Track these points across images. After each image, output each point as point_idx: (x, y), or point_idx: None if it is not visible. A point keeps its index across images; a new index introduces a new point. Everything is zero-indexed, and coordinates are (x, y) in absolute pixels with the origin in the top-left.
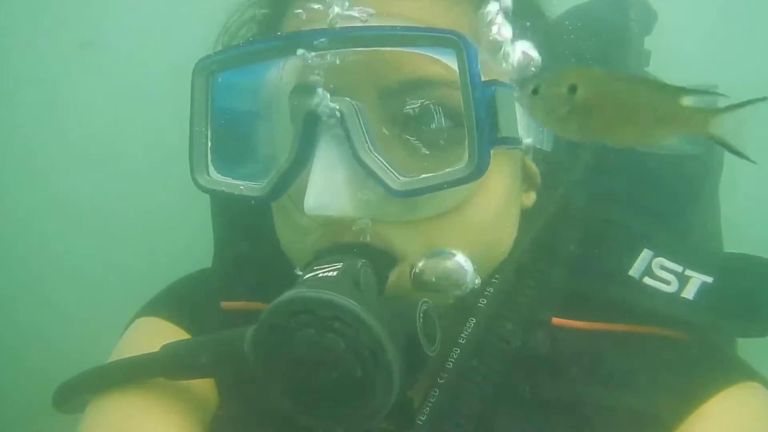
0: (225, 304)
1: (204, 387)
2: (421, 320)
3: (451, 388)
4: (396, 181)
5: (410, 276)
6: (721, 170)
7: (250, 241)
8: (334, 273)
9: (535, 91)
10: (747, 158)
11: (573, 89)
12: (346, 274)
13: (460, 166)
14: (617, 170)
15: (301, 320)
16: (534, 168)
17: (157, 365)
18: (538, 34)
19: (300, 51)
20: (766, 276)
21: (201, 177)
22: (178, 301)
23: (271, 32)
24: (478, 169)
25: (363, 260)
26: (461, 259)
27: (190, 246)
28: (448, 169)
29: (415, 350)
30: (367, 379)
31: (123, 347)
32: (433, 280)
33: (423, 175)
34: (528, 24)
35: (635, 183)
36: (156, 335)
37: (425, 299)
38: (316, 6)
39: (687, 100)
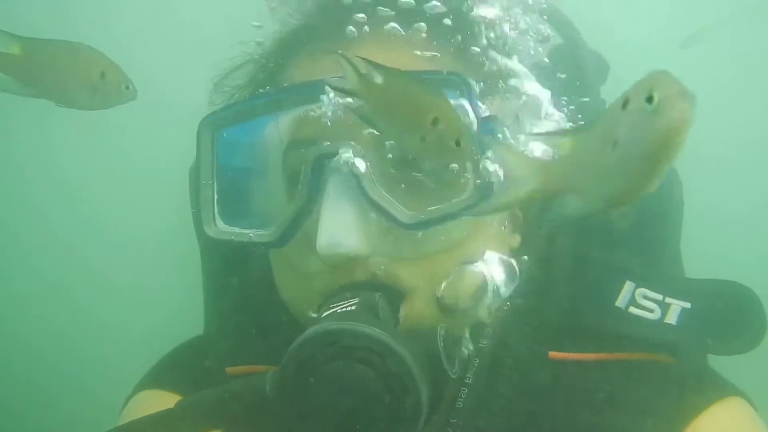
0: (230, 369)
1: None
2: (442, 343)
3: (464, 427)
4: (405, 214)
5: (436, 302)
6: (682, 206)
7: (250, 302)
8: (353, 307)
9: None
10: None
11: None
12: (365, 307)
13: (465, 196)
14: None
15: (328, 353)
16: (518, 210)
17: (172, 420)
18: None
19: (304, 104)
20: (737, 298)
21: (209, 228)
22: (179, 371)
23: (271, 88)
24: (482, 197)
25: (378, 293)
26: (482, 267)
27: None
28: (454, 200)
29: (438, 372)
30: (397, 405)
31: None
32: (457, 301)
33: (430, 208)
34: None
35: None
36: (161, 408)
37: (443, 325)
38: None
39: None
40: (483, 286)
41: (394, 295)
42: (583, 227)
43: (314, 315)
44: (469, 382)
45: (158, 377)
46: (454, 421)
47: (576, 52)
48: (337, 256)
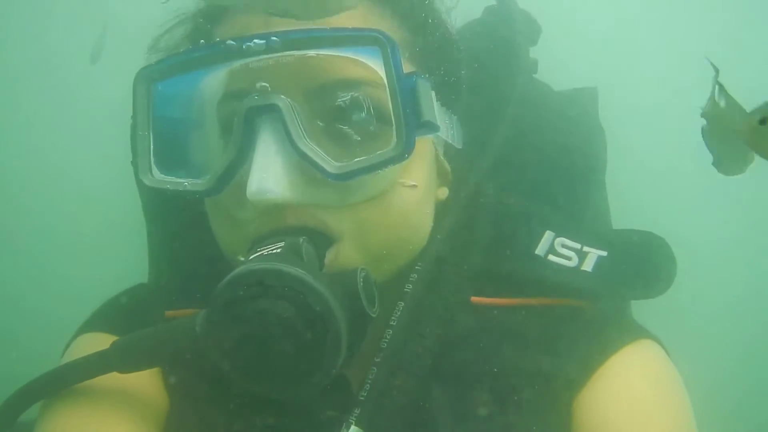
0: (169, 313)
1: (155, 387)
2: (362, 283)
3: (388, 366)
4: (332, 165)
5: (362, 249)
6: (605, 163)
7: (188, 249)
8: (279, 250)
9: (763, 122)
10: None
11: None
12: (290, 249)
13: (388, 148)
14: (520, 165)
15: (252, 292)
16: (446, 165)
17: (108, 361)
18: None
19: (236, 57)
20: (649, 245)
21: (146, 177)
22: (121, 314)
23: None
24: (404, 150)
25: (304, 237)
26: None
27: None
28: (378, 152)
29: (358, 311)
30: (318, 341)
31: None
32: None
33: (356, 159)
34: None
35: (536, 175)
36: (101, 348)
37: (362, 267)
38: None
39: None
40: (408, 235)
41: (321, 240)
42: (507, 181)
43: (243, 258)
44: (393, 323)
45: (99, 321)
46: (378, 360)
47: (508, 12)
48: (266, 202)
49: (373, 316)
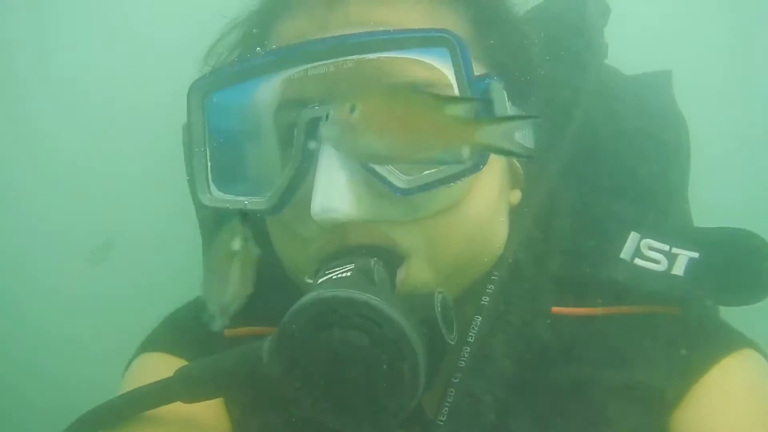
0: (228, 332)
1: (218, 416)
2: (440, 308)
3: (466, 386)
4: (400, 179)
5: (434, 264)
6: (689, 153)
7: None
8: (349, 273)
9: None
10: (524, 157)
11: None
12: (361, 273)
13: (461, 161)
14: (595, 161)
15: (323, 321)
16: (518, 166)
17: (171, 390)
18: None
19: (293, 64)
20: (748, 246)
21: (204, 196)
22: (180, 333)
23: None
24: (479, 162)
25: (374, 258)
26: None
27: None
28: (449, 165)
29: (436, 339)
30: (395, 372)
31: (130, 386)
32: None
33: (426, 172)
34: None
35: (613, 171)
36: (163, 371)
37: (439, 289)
38: (301, 21)
39: (453, 110)
40: (482, 247)
41: (392, 258)
42: (585, 179)
43: (310, 281)
44: (471, 340)
45: (159, 340)
46: (456, 380)
47: None
48: (332, 222)
49: (452, 343)
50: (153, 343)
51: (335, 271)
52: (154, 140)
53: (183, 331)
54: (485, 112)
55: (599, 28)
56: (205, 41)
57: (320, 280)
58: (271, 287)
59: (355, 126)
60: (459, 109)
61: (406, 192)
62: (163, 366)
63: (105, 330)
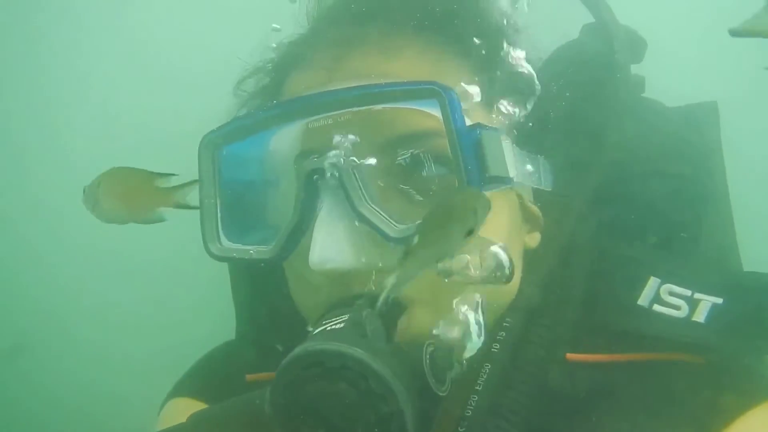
0: (250, 377)
1: None
2: (428, 361)
3: None
4: (394, 228)
5: (437, 312)
6: (726, 188)
7: (267, 309)
8: (341, 325)
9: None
10: None
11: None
12: (352, 324)
13: None
14: (615, 202)
15: (311, 374)
16: (535, 209)
17: None
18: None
19: (292, 118)
20: None
21: (213, 246)
22: (207, 379)
23: (267, 103)
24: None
25: (368, 310)
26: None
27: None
28: None
29: (425, 392)
30: (382, 424)
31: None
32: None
33: (419, 221)
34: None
35: (635, 212)
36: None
37: (431, 341)
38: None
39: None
40: (489, 292)
41: (393, 307)
42: (605, 223)
43: (311, 329)
44: (479, 388)
45: (188, 385)
46: (462, 430)
47: (606, 30)
48: (330, 272)
49: (442, 395)
50: (183, 387)
51: (330, 322)
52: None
53: (211, 375)
54: (476, 162)
55: (630, 62)
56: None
57: (315, 331)
58: (290, 333)
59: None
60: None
61: (399, 241)
62: (190, 411)
63: None
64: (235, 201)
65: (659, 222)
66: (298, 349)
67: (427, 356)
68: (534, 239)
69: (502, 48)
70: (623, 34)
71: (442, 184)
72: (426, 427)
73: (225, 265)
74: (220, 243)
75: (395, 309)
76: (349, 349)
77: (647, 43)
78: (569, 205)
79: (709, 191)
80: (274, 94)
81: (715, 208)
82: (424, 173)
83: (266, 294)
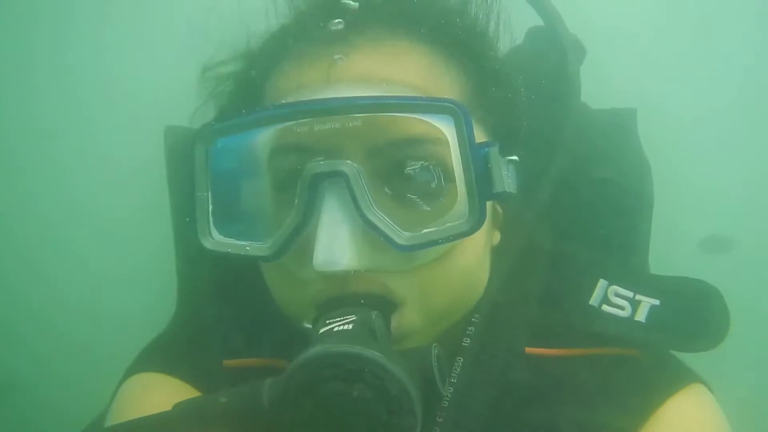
0: (228, 362)
1: None
2: (436, 363)
3: (449, 424)
4: (400, 236)
5: (425, 311)
6: (652, 201)
7: (249, 298)
8: (350, 326)
9: None
10: None
11: None
12: (364, 326)
13: (460, 221)
14: (569, 208)
15: (329, 374)
16: (499, 209)
17: (171, 424)
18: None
19: (300, 117)
20: (703, 297)
21: (205, 240)
22: (176, 355)
23: (261, 98)
24: (476, 225)
25: (375, 311)
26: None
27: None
28: (449, 224)
29: (431, 391)
30: (393, 424)
31: (124, 406)
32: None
33: (425, 230)
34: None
35: (585, 217)
36: (161, 390)
37: (435, 344)
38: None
39: None
40: (469, 291)
41: (387, 306)
42: (559, 225)
43: (309, 326)
44: (455, 381)
45: (153, 361)
46: (441, 420)
47: (555, 34)
48: (333, 274)
49: (444, 393)
50: (146, 362)
51: (336, 322)
52: None
53: (179, 355)
54: (485, 179)
55: (577, 69)
56: None
57: (322, 330)
58: (267, 321)
59: None
60: None
61: (406, 249)
62: (158, 385)
63: None
64: (227, 195)
65: (602, 228)
66: (315, 351)
67: (435, 359)
68: (496, 237)
69: (488, 54)
70: (571, 40)
71: (446, 194)
72: (427, 424)
73: None
74: (212, 237)
75: (389, 307)
76: (369, 352)
77: (586, 51)
78: (528, 206)
79: (637, 202)
80: (258, 83)
81: (641, 214)
82: (428, 182)
83: (242, 283)
